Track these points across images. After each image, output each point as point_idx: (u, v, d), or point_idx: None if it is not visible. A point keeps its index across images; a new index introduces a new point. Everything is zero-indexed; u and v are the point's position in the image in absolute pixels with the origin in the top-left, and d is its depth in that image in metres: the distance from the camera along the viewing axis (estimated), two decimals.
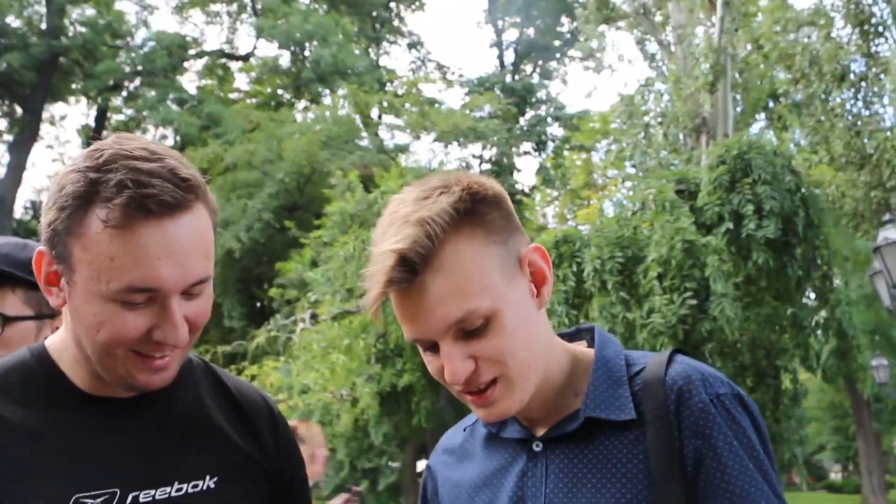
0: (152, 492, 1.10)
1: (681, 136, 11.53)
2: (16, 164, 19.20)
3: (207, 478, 1.15)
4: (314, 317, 8.70)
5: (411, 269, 1.01)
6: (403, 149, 19.66)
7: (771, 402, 9.15)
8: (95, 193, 0.98)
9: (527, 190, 24.09)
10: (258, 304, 17.39)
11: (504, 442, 1.18)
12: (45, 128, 22.40)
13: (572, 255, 6.83)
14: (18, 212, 21.13)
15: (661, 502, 1.02)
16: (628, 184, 10.09)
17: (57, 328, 1.64)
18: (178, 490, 1.12)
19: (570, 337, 1.24)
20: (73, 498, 1.04)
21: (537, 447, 1.12)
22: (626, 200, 7.53)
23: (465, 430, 1.29)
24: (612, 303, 6.37)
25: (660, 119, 12.50)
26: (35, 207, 23.36)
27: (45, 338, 1.62)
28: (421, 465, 22.45)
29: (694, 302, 6.22)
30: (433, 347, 1.06)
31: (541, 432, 1.13)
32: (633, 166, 13.11)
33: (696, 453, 1.04)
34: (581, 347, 1.19)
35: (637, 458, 1.06)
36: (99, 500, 1.06)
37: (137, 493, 1.09)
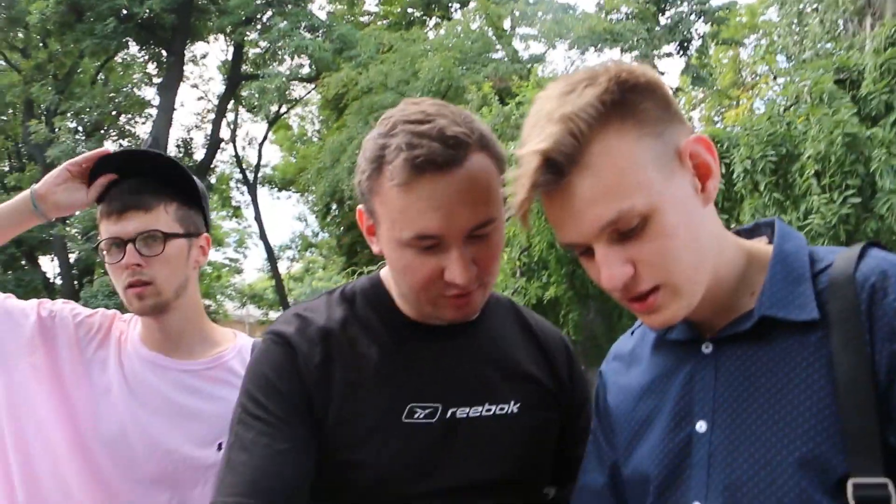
0: (468, 409, 1.27)
1: (840, 23, 10.56)
2: (165, 106, 20.25)
3: (512, 402, 1.31)
4: None
5: (557, 171, 0.95)
6: (539, 59, 19.15)
7: None
8: (383, 157, 1.14)
9: (671, 92, 23.05)
10: None
11: (673, 345, 1.13)
12: (188, 68, 23.41)
13: (721, 156, 6.49)
14: (171, 150, 22.40)
15: (846, 414, 0.92)
16: (780, 80, 9.39)
17: (202, 248, 1.74)
18: (488, 410, 1.29)
19: (749, 233, 1.15)
20: (409, 406, 1.24)
21: (707, 349, 1.06)
22: (779, 96, 7.02)
23: (632, 333, 1.26)
24: (766, 205, 6.04)
25: (815, 4, 11.49)
26: (186, 145, 24.72)
27: (194, 257, 1.72)
28: None
29: (857, 200, 5.78)
30: (589, 252, 1.00)
31: (711, 334, 1.07)
32: (787, 59, 12.21)
33: (890, 359, 0.91)
34: (759, 244, 1.10)
35: (819, 362, 0.96)
36: (427, 410, 1.25)
37: (456, 409, 1.27)
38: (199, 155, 23.96)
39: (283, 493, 1.14)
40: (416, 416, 1.24)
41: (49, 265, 23.39)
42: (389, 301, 1.33)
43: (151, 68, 22.66)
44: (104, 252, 1.69)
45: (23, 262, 22.68)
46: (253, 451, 1.16)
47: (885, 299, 0.93)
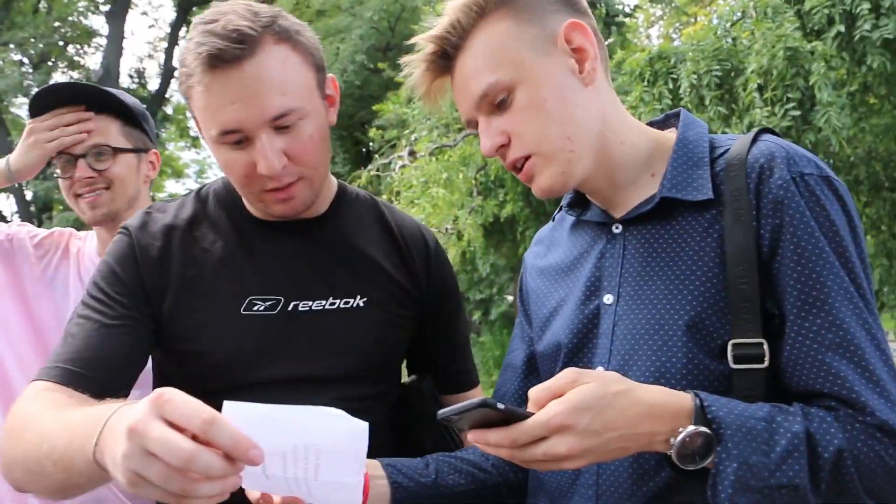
0: (310, 303, 1.30)
1: None
2: (115, 35, 19.55)
3: (358, 297, 1.33)
4: (412, 154, 8.84)
5: (444, 55, 1.14)
6: None
7: (887, 217, 8.82)
8: (184, 60, 1.16)
9: (629, 10, 22.87)
10: (364, 150, 17.69)
11: (587, 227, 1.24)
12: None
13: (668, 71, 6.59)
14: (124, 81, 21.74)
15: (731, 282, 1.01)
16: None
17: (151, 163, 1.83)
18: (332, 304, 1.31)
19: (661, 125, 1.24)
20: (249, 298, 1.28)
21: (616, 229, 1.17)
22: (726, 11, 7.09)
23: (553, 220, 1.37)
24: (711, 119, 6.18)
25: None
26: (140, 75, 24.01)
27: (144, 172, 1.81)
28: None
29: (797, 113, 5.94)
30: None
31: (620, 216, 1.18)
32: None
33: (772, 234, 1.02)
34: (667, 133, 1.20)
35: (712, 237, 1.06)
36: (268, 303, 1.28)
37: (298, 301, 1.29)
38: (153, 85, 23.36)
39: (107, 365, 1.17)
40: (255, 307, 1.27)
41: (5, 203, 22.94)
42: (238, 201, 1.35)
43: None
44: (57, 169, 1.78)
45: None
46: (84, 325, 1.20)
47: (771, 178, 1.02)
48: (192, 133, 27.16)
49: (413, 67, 1.16)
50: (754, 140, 1.09)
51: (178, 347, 1.28)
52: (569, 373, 0.92)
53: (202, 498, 0.76)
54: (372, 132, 10.45)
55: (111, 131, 1.79)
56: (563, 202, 1.31)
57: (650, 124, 1.24)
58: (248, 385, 1.25)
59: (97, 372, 1.15)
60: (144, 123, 1.87)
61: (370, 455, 0.98)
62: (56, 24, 20.99)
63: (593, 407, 0.89)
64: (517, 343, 1.36)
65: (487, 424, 0.91)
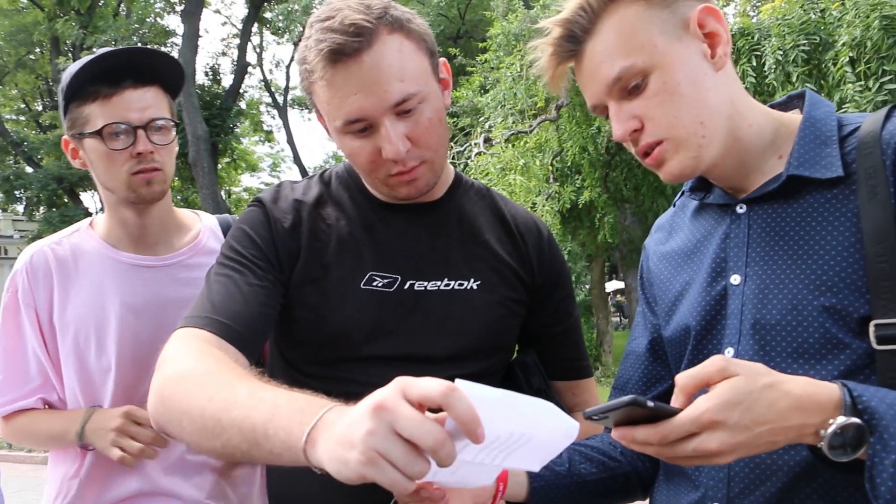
0: (426, 283, 1.34)
1: None
2: (189, 33, 20.05)
3: (472, 280, 1.37)
4: (488, 141, 8.81)
5: (573, 39, 1.13)
6: None
7: None
8: (305, 58, 1.21)
9: None
10: None
11: (709, 210, 1.23)
12: None
13: (751, 49, 6.38)
14: (199, 78, 22.28)
15: (870, 261, 0.99)
16: None
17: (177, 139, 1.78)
18: (447, 286, 1.35)
19: (783, 106, 1.23)
20: (369, 274, 1.32)
21: (741, 209, 1.15)
22: None
23: (674, 205, 1.36)
24: None
25: None
26: (214, 72, 24.64)
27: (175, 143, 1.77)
28: (611, 284, 22.64)
29: (894, 86, 5.67)
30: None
31: (744, 197, 1.16)
32: None
33: None
34: (791, 115, 1.18)
35: (845, 216, 1.04)
36: (386, 280, 1.33)
37: (415, 281, 1.34)
38: (227, 81, 23.97)
39: (251, 322, 1.22)
40: (374, 283, 1.32)
41: (90, 200, 23.89)
42: (360, 183, 1.41)
43: None
44: (98, 138, 1.61)
45: (65, 199, 23.17)
46: (227, 283, 1.26)
47: None
48: (265, 127, 27.76)
49: (539, 52, 1.16)
50: (887, 116, 1.06)
51: (300, 315, 1.33)
52: (717, 360, 0.90)
53: (415, 478, 0.75)
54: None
55: (163, 103, 1.68)
56: (686, 187, 1.30)
57: (771, 106, 1.22)
58: (359, 359, 1.30)
59: (244, 327, 1.20)
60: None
61: None
62: (135, 25, 21.69)
63: (743, 401, 0.87)
64: (639, 331, 1.36)
65: (633, 421, 0.91)
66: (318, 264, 1.33)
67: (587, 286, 15.44)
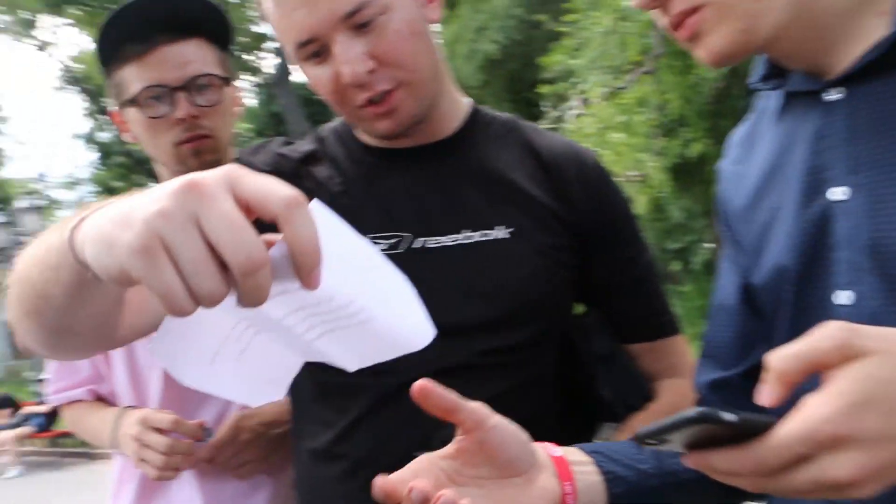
0: (441, 238, 1.11)
1: None
2: None
3: (499, 227, 1.13)
4: (585, 102, 8.47)
5: None
6: None
7: None
8: None
9: None
10: (536, 109, 17.42)
11: (796, 104, 0.91)
12: None
13: None
14: (301, 76, 22.70)
15: None
16: None
17: (236, 97, 1.55)
18: (468, 238, 1.12)
19: None
20: (368, 236, 1.05)
21: (833, 94, 0.84)
22: None
23: (752, 115, 1.03)
24: None
25: None
26: None
27: (236, 109, 1.54)
28: None
29: None
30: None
31: (835, 76, 0.84)
32: None
33: None
34: None
35: None
36: (390, 241, 1.11)
37: (426, 238, 1.11)
38: None
39: None
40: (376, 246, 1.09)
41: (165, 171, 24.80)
42: (354, 135, 1.21)
43: None
44: (136, 106, 1.42)
45: (134, 173, 23.93)
46: None
47: None
48: None
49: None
50: None
51: None
52: (833, 330, 0.59)
53: (202, 300, 0.53)
54: (541, 88, 10.14)
55: (209, 57, 1.45)
56: (752, 79, 0.97)
57: None
58: None
59: None
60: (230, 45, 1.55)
61: (536, 427, 0.84)
62: None
63: (882, 399, 0.57)
64: (727, 277, 1.04)
65: (711, 442, 0.61)
66: None
67: (711, 244, 14.73)
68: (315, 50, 1.04)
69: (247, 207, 0.54)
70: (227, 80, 1.47)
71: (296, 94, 18.94)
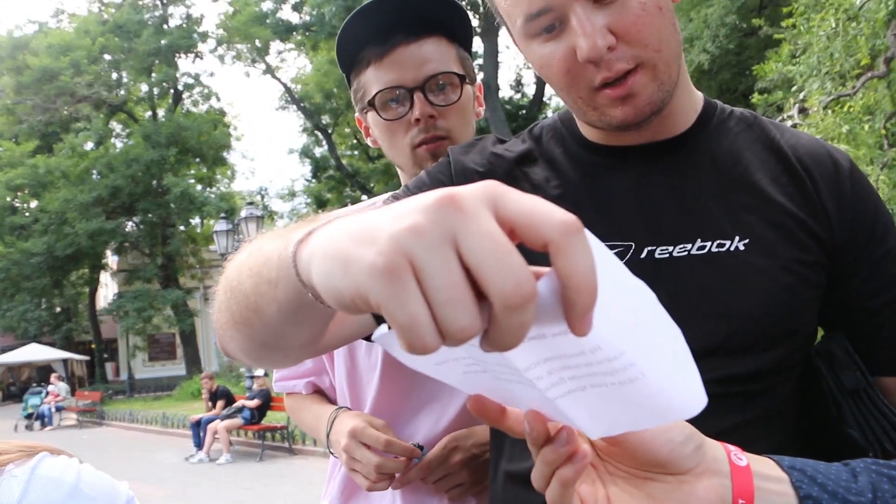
0: (670, 248, 1.00)
1: None
2: (490, 51, 20.87)
3: (737, 238, 1.00)
4: (803, 112, 7.87)
5: None
6: None
7: None
8: None
9: None
10: None
11: None
12: None
13: None
14: (504, 91, 22.97)
15: None
16: None
17: (478, 98, 1.52)
18: (700, 248, 1.00)
19: None
20: None
21: None
22: None
23: None
24: None
25: None
26: (518, 84, 25.31)
27: (476, 110, 1.51)
28: None
29: None
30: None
31: None
32: None
33: None
34: None
35: None
36: (616, 250, 1.00)
37: (654, 247, 1.00)
38: (529, 90, 24.56)
39: None
40: None
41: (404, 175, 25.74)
42: (575, 128, 1.09)
43: (474, 20, 23.65)
44: (374, 109, 1.41)
45: (344, 185, 24.54)
46: None
47: None
48: None
49: None
50: None
51: None
52: None
53: (449, 336, 0.44)
54: (755, 98, 9.59)
55: (447, 56, 1.40)
56: None
57: None
58: None
59: None
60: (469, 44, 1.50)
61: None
62: None
63: None
64: None
65: None
66: None
67: None
68: (548, 23, 0.94)
69: (510, 230, 0.46)
70: (465, 79, 1.43)
71: (502, 108, 19.27)
